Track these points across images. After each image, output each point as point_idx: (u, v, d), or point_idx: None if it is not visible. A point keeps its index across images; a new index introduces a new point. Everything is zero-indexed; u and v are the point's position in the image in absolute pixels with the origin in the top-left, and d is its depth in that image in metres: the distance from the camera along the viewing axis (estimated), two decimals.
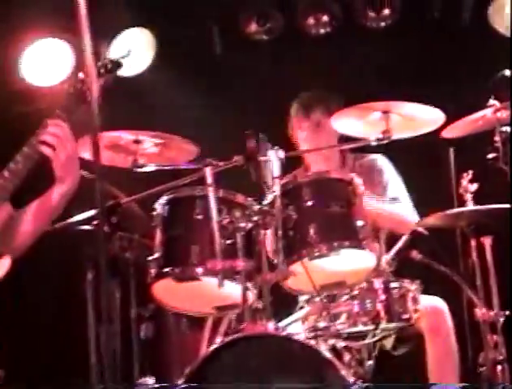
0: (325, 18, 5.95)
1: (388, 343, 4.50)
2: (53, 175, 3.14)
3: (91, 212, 4.68)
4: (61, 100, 3.22)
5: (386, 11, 5.84)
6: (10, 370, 3.60)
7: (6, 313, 3.14)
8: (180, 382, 4.18)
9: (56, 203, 3.13)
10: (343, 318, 4.45)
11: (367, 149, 4.87)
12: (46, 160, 3.11)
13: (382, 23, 5.85)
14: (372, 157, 5.24)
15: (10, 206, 3.12)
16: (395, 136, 4.50)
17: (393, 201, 5.05)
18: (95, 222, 4.67)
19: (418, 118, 4.55)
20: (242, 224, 4.36)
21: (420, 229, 4.61)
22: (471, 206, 4.60)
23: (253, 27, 6.01)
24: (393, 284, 4.45)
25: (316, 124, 5.21)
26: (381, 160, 5.24)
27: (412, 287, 4.45)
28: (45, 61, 5.76)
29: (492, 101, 4.51)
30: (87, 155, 4.43)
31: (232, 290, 4.36)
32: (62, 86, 5.65)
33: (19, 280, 3.04)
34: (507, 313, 4.51)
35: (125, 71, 5.71)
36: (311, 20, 5.97)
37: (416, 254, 4.55)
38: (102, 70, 3.30)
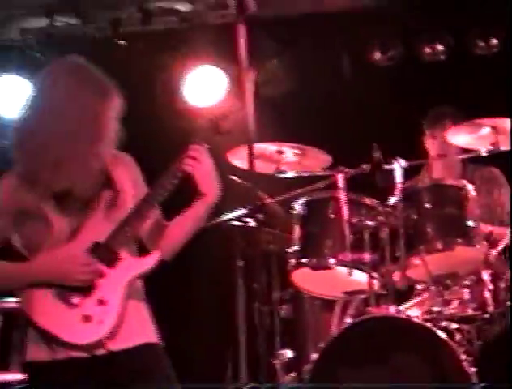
0: (440, 47, 5.89)
1: (496, 326, 4.40)
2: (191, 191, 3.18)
3: (241, 211, 4.76)
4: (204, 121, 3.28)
5: (494, 41, 5.75)
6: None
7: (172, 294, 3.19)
8: (314, 355, 4.22)
9: (201, 214, 3.18)
10: (455, 304, 4.41)
11: (483, 160, 4.78)
12: (188, 178, 3.14)
13: (491, 51, 5.76)
14: (491, 169, 5.08)
15: (159, 212, 3.18)
16: (502, 148, 4.45)
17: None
18: (245, 219, 4.76)
19: None
20: (369, 223, 4.37)
21: None
22: None
23: (377, 54, 5.99)
24: (501, 275, 4.39)
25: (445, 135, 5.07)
26: (500, 175, 5.07)
27: None
28: (203, 85, 5.84)
29: None
30: (239, 163, 4.57)
31: (360, 278, 4.38)
32: (216, 107, 5.83)
33: (184, 266, 3.09)
34: None
35: (270, 92, 5.88)
36: (427, 49, 5.92)
37: None
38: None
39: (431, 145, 5.18)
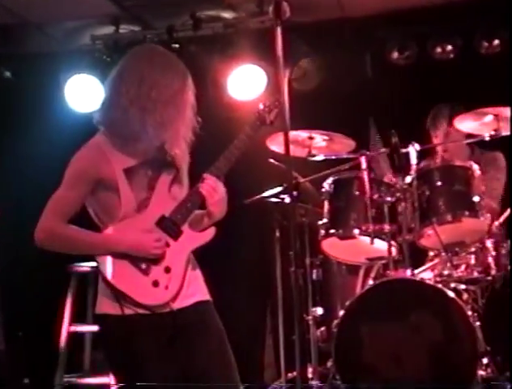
0: (449, 47, 5.78)
1: (497, 286, 4.33)
2: None
3: (278, 189, 4.74)
4: (252, 114, 3.26)
5: (497, 42, 5.64)
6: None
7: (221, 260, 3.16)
8: (341, 313, 4.20)
9: (205, 226, 3.09)
10: (463, 267, 4.36)
11: (488, 145, 4.69)
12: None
13: (494, 51, 5.65)
14: (494, 153, 4.93)
15: None
16: (504, 133, 4.37)
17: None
18: (281, 196, 4.74)
19: None
20: (388, 198, 4.35)
21: None
22: None
23: (395, 54, 5.90)
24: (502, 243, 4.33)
25: (444, 135, 4.92)
26: (502, 158, 4.93)
27: None
28: (244, 82, 5.80)
29: None
30: (276, 148, 4.55)
31: (380, 246, 4.35)
32: (256, 100, 5.80)
33: (230, 236, 3.08)
34: None
35: (302, 87, 5.83)
36: (438, 49, 5.82)
37: None
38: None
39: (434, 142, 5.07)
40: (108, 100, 2.98)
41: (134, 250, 2.90)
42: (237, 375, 3.00)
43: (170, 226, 2.96)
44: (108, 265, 2.90)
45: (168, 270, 2.93)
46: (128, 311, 2.87)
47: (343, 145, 4.67)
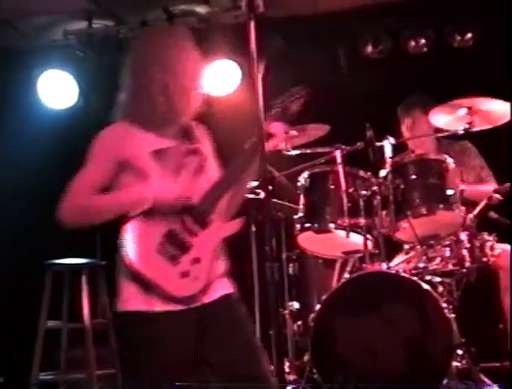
0: (422, 41, 5.82)
1: (472, 278, 4.35)
2: None
3: (254, 184, 4.72)
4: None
5: (469, 35, 5.68)
6: None
7: None
8: (317, 307, 4.21)
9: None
10: (438, 260, 4.38)
11: (456, 137, 4.73)
12: None
13: (467, 44, 5.69)
14: (462, 143, 5.01)
15: None
16: (477, 127, 4.41)
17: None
18: (256, 191, 4.73)
19: (495, 112, 4.41)
20: (363, 192, 4.35)
21: (496, 196, 4.44)
22: None
23: (369, 48, 5.92)
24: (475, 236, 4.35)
25: (413, 121, 5.05)
26: (471, 147, 5.01)
27: (490, 238, 4.35)
28: (219, 77, 5.78)
29: None
30: None
31: (356, 240, 4.36)
32: (231, 96, 5.78)
33: None
34: None
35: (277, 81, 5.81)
36: (412, 42, 5.84)
37: (492, 214, 4.42)
38: None
39: (405, 133, 5.14)
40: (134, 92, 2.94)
41: (159, 198, 2.79)
42: (270, 369, 2.89)
43: (198, 215, 2.87)
44: (135, 254, 2.77)
45: (196, 260, 2.83)
46: (158, 307, 2.77)
47: (318, 130, 4.66)
